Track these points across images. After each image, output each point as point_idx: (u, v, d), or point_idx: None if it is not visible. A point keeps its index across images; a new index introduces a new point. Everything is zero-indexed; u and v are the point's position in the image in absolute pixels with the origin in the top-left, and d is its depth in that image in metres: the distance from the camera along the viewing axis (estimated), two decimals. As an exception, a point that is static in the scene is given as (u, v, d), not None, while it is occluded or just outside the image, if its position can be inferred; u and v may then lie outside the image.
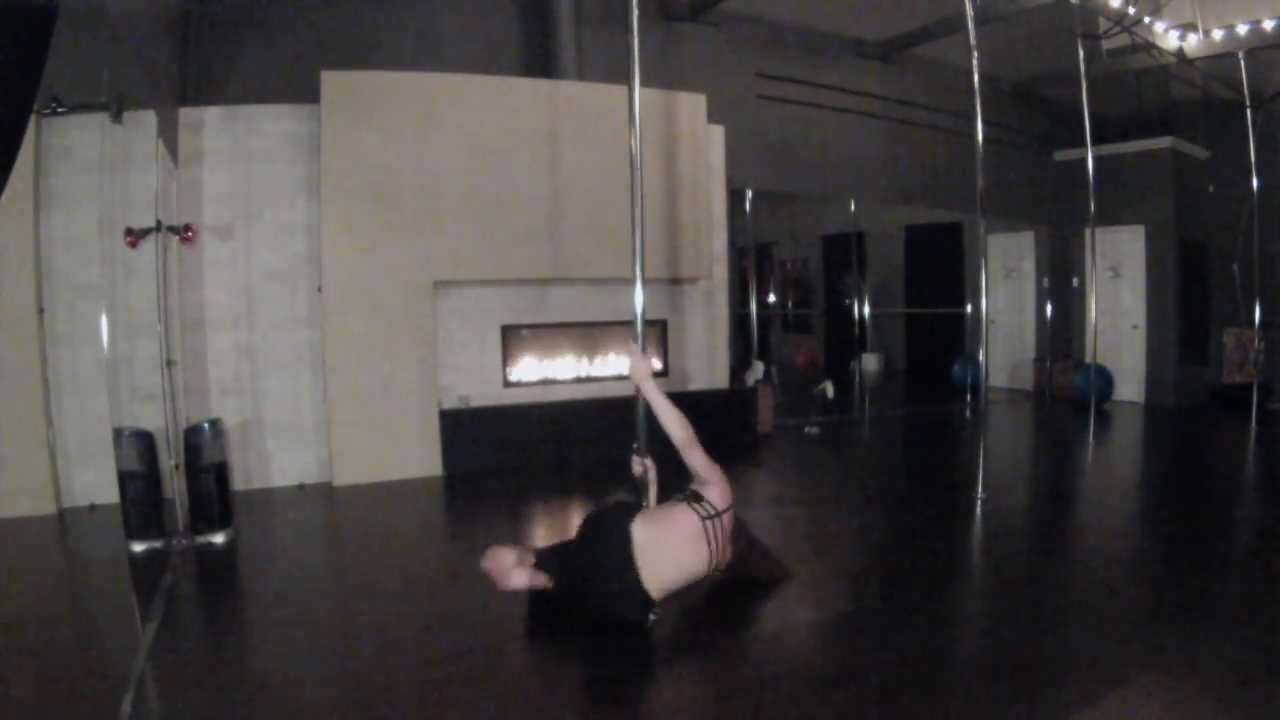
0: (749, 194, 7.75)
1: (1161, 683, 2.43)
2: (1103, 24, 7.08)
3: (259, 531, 4.40)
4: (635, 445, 3.28)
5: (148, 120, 3.93)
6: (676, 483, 3.16)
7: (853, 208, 8.57)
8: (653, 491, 3.24)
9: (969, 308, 9.49)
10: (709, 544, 2.87)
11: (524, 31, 6.37)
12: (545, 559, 3.02)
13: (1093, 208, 6.63)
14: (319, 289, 5.25)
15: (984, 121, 4.68)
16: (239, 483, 4.91)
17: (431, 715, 2.35)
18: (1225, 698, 2.34)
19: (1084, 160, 6.78)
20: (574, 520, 4.64)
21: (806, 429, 7.24)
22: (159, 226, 3.86)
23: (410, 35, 5.96)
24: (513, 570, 2.97)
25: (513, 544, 3.17)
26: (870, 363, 10.64)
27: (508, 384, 5.91)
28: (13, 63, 1.64)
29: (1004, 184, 8.51)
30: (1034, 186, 9.19)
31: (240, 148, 5.17)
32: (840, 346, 10.51)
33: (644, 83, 3.10)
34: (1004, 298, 9.93)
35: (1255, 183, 7.38)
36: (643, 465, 3.24)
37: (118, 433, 3.75)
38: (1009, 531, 4.25)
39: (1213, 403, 8.70)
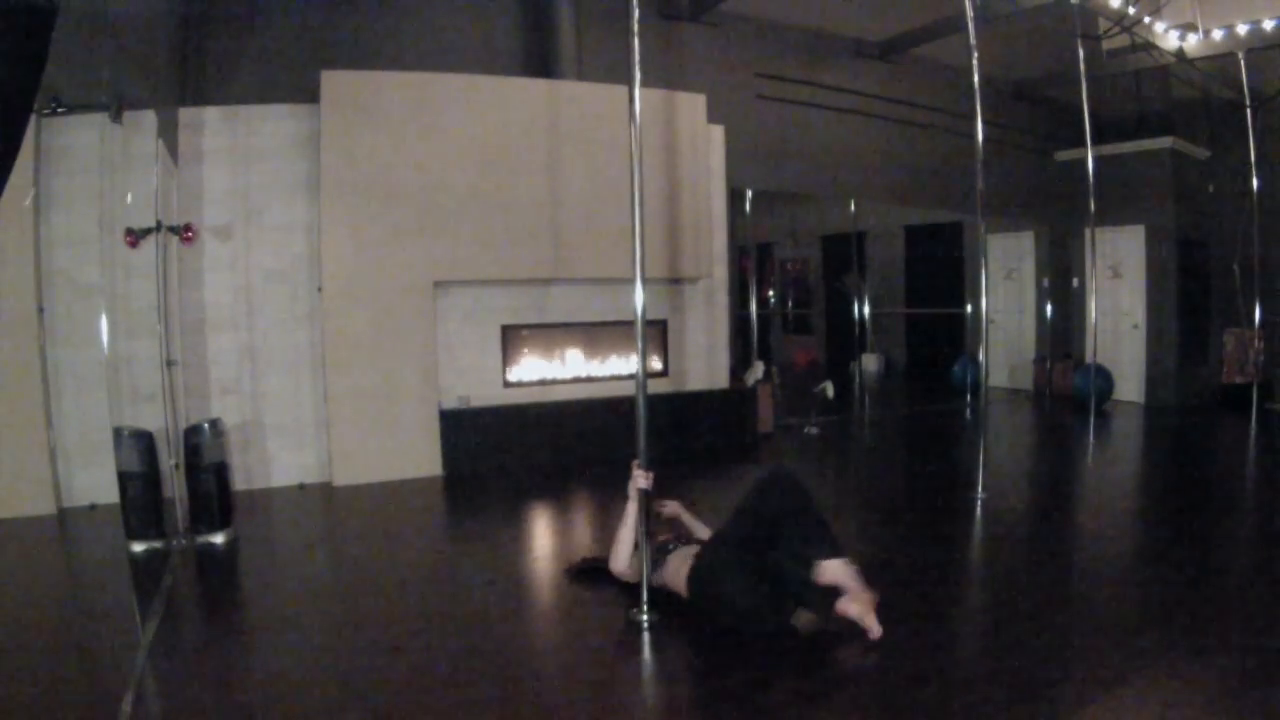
0: (749, 194, 7.74)
1: (1161, 683, 2.43)
2: (1103, 24, 7.08)
3: (259, 531, 4.40)
4: (636, 460, 3.07)
5: (148, 120, 3.93)
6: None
7: (853, 208, 8.57)
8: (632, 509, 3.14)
9: (969, 308, 9.49)
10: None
11: (524, 31, 6.37)
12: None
13: (1093, 208, 6.62)
14: (319, 289, 5.25)
15: (984, 121, 4.68)
16: (239, 483, 4.90)
17: (431, 715, 2.35)
18: (1224, 698, 2.34)
19: (1084, 160, 6.76)
20: (574, 519, 4.65)
21: (806, 429, 7.24)
22: (159, 226, 3.86)
23: (410, 35, 5.96)
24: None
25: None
26: (870, 363, 10.63)
27: (508, 384, 5.91)
28: (13, 63, 1.63)
29: (1004, 184, 8.50)
30: (1034, 186, 9.19)
31: (240, 148, 5.17)
32: (840, 346, 10.50)
33: (644, 83, 3.10)
34: (1004, 298, 9.93)
35: (1255, 183, 7.38)
36: (646, 478, 3.05)
37: (118, 433, 3.75)
38: (1009, 531, 4.25)
39: (1213, 403, 8.69)
